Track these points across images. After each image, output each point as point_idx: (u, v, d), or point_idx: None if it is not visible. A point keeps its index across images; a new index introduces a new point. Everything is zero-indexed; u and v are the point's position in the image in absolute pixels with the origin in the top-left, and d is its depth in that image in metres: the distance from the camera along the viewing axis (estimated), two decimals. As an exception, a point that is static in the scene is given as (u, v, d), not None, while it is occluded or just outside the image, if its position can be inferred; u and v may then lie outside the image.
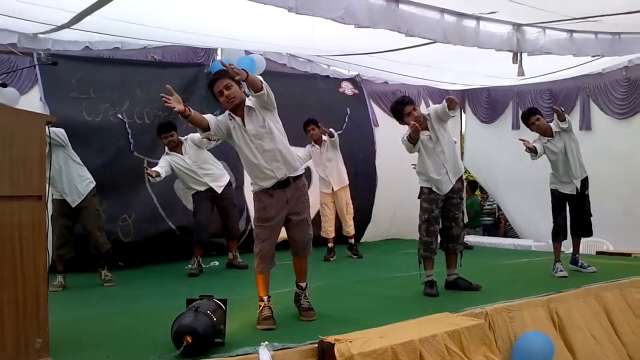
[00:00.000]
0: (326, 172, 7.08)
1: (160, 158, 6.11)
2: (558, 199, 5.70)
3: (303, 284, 4.04)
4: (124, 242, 6.55)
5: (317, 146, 7.04)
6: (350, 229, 7.22)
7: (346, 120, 8.59)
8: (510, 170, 9.17)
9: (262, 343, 3.12)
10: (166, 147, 6.12)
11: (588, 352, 4.38)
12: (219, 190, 6.19)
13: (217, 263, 6.60)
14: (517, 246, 8.54)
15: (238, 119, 3.77)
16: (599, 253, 7.38)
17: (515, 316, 4.19)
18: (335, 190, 7.11)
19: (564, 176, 5.63)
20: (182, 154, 6.08)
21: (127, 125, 6.78)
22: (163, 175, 5.79)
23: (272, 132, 3.78)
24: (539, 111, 5.81)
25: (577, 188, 5.63)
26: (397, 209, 8.86)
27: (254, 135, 3.75)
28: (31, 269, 2.97)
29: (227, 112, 3.83)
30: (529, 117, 5.69)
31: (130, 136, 6.80)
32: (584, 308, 4.69)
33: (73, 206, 5.37)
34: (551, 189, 5.75)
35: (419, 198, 4.97)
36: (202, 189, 6.15)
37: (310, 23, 4.86)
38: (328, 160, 7.07)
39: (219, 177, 6.25)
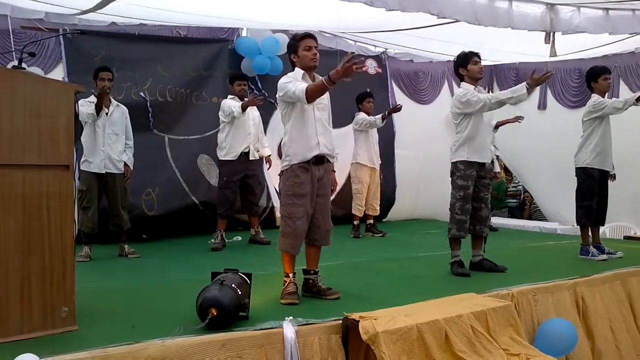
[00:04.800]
0: (374, 146, 7.23)
1: (224, 101, 6.29)
2: (594, 180, 5.44)
3: (316, 269, 3.94)
4: (148, 215, 6.58)
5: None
6: (377, 206, 7.35)
7: None
8: (535, 151, 9.01)
9: (286, 318, 3.12)
10: (231, 95, 6.35)
11: (607, 341, 4.33)
12: (251, 157, 6.30)
13: (239, 238, 6.62)
14: (542, 229, 8.43)
15: (310, 82, 3.81)
16: (626, 238, 7.24)
17: (540, 299, 4.13)
18: (377, 167, 7.27)
19: (608, 147, 5.44)
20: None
21: (148, 104, 6.80)
22: None
23: (329, 108, 3.95)
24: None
25: (612, 165, 5.51)
26: (420, 190, 8.81)
27: (317, 102, 3.79)
28: (58, 238, 2.99)
29: (299, 71, 3.83)
30: (603, 73, 5.47)
31: (150, 115, 6.81)
32: (608, 294, 4.62)
33: (104, 172, 5.43)
34: (587, 168, 5.44)
35: (452, 176, 4.85)
36: (239, 150, 6.19)
37: (336, 5, 4.82)
38: (376, 139, 7.30)
39: (260, 147, 6.46)
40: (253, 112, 6.29)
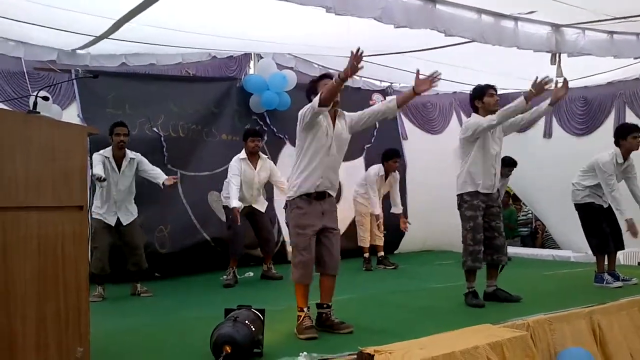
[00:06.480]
0: (375, 199, 7.16)
1: (233, 160, 6.20)
2: (596, 211, 5.56)
3: (329, 303, 3.96)
4: (160, 253, 6.59)
5: (384, 175, 7.19)
6: (382, 235, 7.37)
7: (374, 133, 8.56)
8: (544, 179, 8.97)
9: (300, 353, 3.11)
10: (244, 151, 6.26)
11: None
12: (255, 206, 6.36)
13: (251, 274, 6.62)
14: (555, 257, 8.36)
15: (329, 116, 3.88)
16: (641, 264, 7.18)
17: (556, 328, 4.10)
18: (374, 213, 7.21)
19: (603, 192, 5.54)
20: (255, 167, 6.24)
21: (162, 139, 6.87)
22: None
23: (345, 146, 4.00)
24: None
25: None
26: (431, 221, 8.77)
27: (335, 136, 3.87)
28: (73, 278, 3.00)
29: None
30: (633, 131, 5.43)
31: (164, 149, 6.88)
32: (626, 321, 4.58)
33: (125, 224, 5.49)
34: (586, 203, 5.60)
35: (459, 209, 4.85)
36: (244, 205, 6.15)
37: (344, 24, 4.82)
38: (383, 192, 7.29)
39: (262, 202, 6.50)
40: (261, 174, 6.29)
